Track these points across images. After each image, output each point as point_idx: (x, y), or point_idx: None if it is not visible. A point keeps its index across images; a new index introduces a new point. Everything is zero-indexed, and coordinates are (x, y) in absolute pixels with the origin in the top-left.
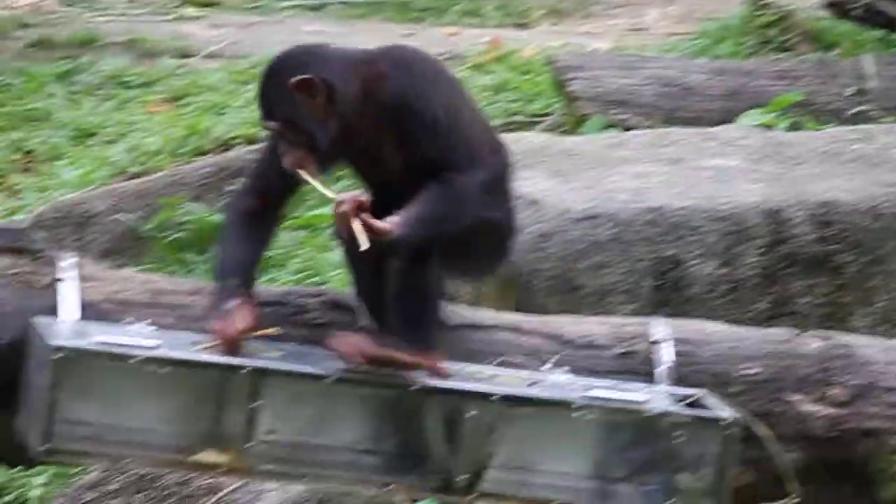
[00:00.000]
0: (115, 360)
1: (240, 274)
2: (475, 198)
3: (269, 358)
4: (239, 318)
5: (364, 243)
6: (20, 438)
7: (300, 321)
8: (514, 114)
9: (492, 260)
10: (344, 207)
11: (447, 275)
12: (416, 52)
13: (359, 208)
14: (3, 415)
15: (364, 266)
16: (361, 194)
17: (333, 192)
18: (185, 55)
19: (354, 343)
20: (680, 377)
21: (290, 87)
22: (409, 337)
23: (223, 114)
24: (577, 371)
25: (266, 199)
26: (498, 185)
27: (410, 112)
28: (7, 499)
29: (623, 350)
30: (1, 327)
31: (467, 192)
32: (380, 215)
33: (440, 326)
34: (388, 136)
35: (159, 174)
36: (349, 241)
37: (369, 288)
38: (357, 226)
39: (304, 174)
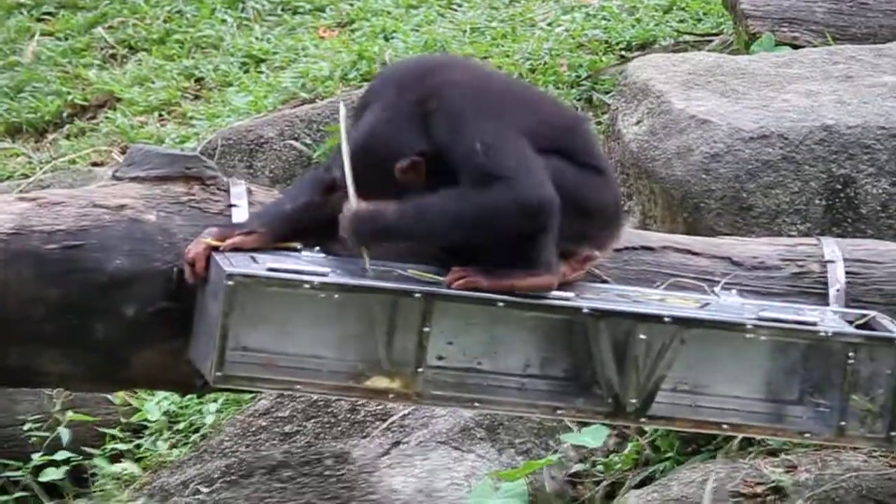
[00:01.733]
0: (287, 286)
1: (267, 220)
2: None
3: (437, 283)
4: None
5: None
6: (193, 366)
7: None
8: (684, 33)
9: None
10: None
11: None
12: (456, 82)
13: None
14: (177, 342)
15: None
16: None
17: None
18: None
19: (469, 278)
20: (852, 297)
21: (396, 173)
22: (520, 264)
23: (392, 38)
24: (747, 292)
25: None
26: (570, 166)
27: (453, 153)
28: (180, 426)
29: (795, 271)
30: (175, 254)
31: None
32: None
33: (549, 248)
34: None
35: (328, 100)
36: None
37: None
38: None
39: None
